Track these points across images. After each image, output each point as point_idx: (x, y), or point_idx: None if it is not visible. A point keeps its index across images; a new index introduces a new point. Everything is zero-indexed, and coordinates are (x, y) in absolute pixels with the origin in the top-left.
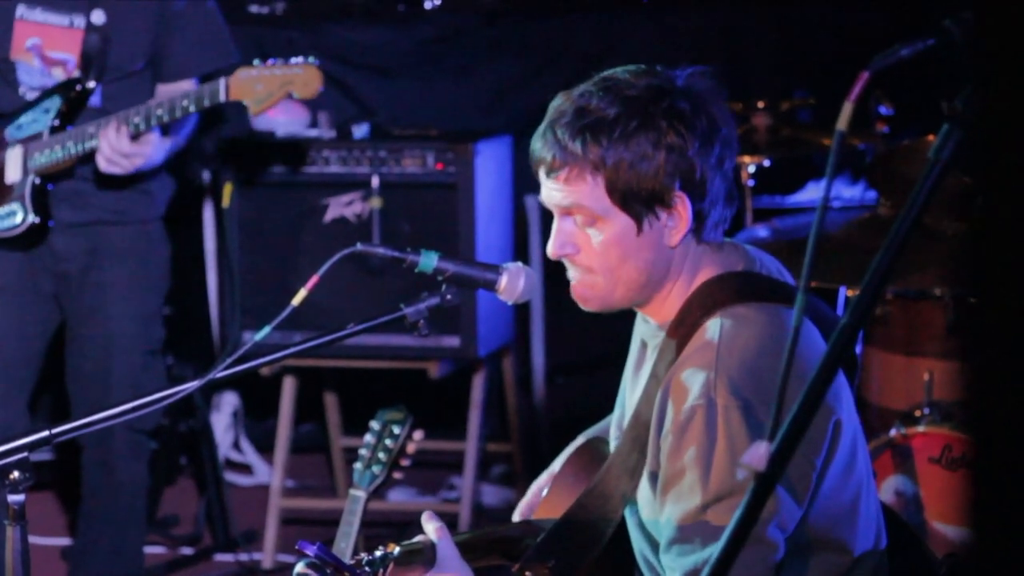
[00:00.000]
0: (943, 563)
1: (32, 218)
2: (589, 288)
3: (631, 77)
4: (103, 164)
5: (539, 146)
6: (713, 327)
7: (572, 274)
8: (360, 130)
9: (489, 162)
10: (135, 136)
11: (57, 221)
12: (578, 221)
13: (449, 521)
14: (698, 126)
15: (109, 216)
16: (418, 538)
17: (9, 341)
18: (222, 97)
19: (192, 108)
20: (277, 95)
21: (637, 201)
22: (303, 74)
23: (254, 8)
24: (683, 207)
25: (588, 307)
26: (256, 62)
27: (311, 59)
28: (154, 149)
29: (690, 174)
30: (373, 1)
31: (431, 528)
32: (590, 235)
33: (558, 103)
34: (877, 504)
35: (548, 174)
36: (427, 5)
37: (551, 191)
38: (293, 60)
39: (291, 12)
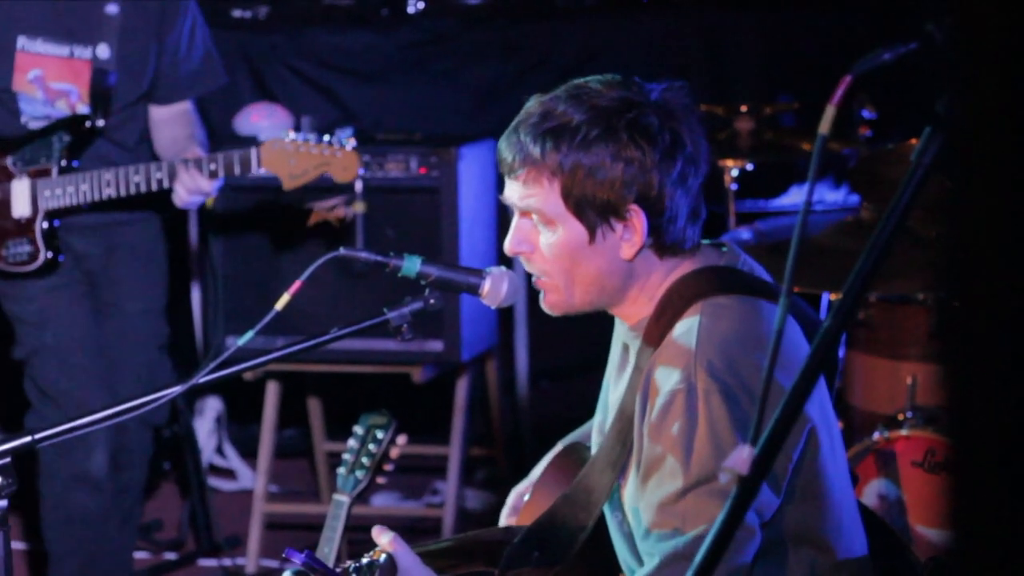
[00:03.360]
0: (926, 566)
1: (45, 254)
2: (552, 291)
3: (603, 87)
4: (180, 204)
5: (503, 146)
6: (692, 316)
7: (535, 279)
8: (343, 134)
9: (473, 166)
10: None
11: (74, 223)
12: (534, 220)
13: (432, 525)
14: (661, 141)
15: (122, 216)
16: (373, 552)
17: (79, 331)
18: (254, 167)
19: (221, 172)
20: (312, 174)
21: (591, 209)
22: (342, 159)
23: (237, 12)
24: (638, 220)
25: (555, 311)
26: (291, 135)
27: (351, 142)
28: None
29: (647, 188)
30: (356, 5)
31: (385, 540)
32: (543, 236)
33: (529, 105)
34: (857, 508)
35: (509, 174)
36: (410, 9)
37: (511, 190)
38: (330, 140)
39: (274, 17)
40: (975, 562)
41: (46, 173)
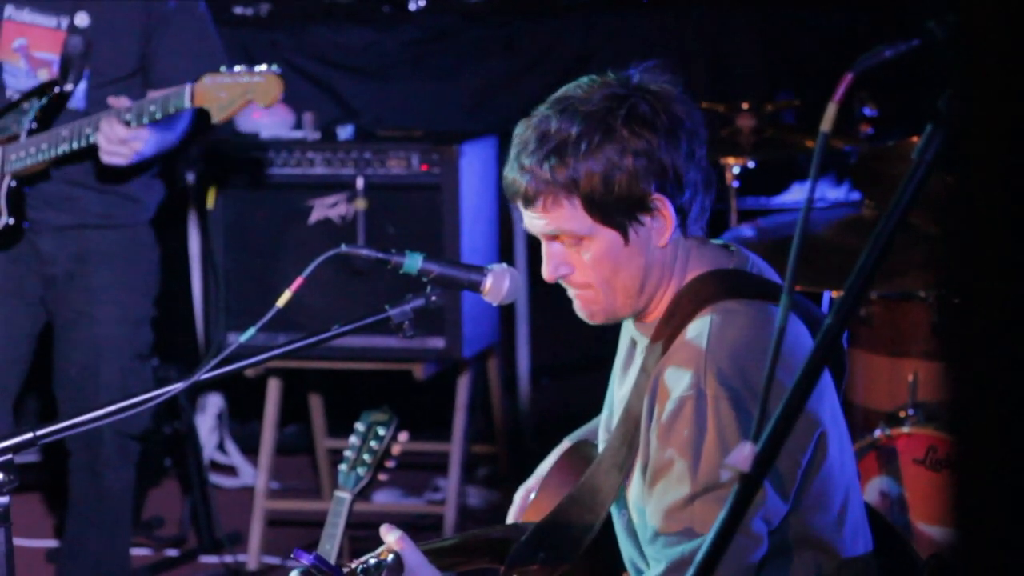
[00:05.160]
0: (927, 564)
1: (7, 219)
2: (591, 303)
3: (585, 92)
4: (105, 157)
5: (511, 179)
6: (703, 321)
7: (571, 291)
8: (345, 131)
9: (474, 163)
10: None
11: (43, 223)
12: (566, 242)
13: (434, 522)
14: (660, 124)
15: (95, 220)
16: (380, 550)
17: None
18: (187, 103)
19: (159, 114)
20: (239, 103)
21: (618, 212)
22: (264, 83)
23: (239, 10)
24: (664, 208)
25: (595, 320)
26: (223, 68)
27: (274, 67)
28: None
29: (663, 173)
30: (358, 2)
31: (392, 538)
32: (582, 254)
33: (520, 132)
34: (863, 506)
35: (526, 205)
36: (411, 6)
37: (533, 220)
38: (257, 68)
39: (276, 13)
40: (977, 559)
41: (16, 139)
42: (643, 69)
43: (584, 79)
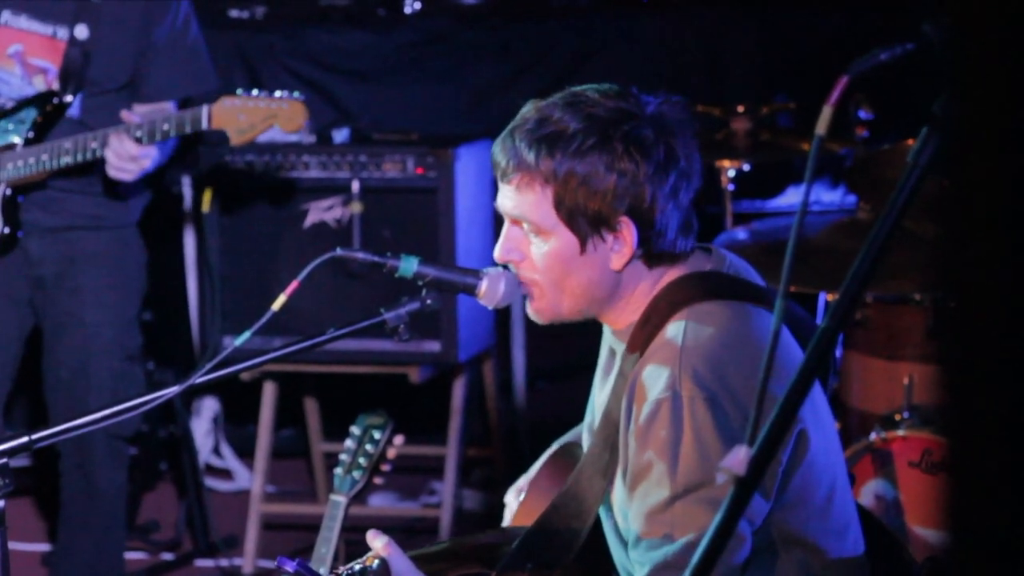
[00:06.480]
0: (923, 567)
1: (2, 228)
2: (538, 300)
3: (600, 96)
4: (112, 172)
5: (498, 150)
6: (677, 323)
7: (523, 286)
8: (340, 135)
9: (469, 166)
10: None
11: (32, 226)
12: (525, 229)
13: (430, 526)
14: (655, 154)
15: (84, 221)
16: (366, 556)
17: None
18: (204, 124)
19: (173, 132)
20: (260, 127)
21: (582, 219)
22: (288, 109)
23: (234, 13)
24: (628, 232)
25: (541, 319)
26: (240, 91)
27: (296, 93)
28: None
29: (639, 200)
30: (353, 6)
31: (379, 544)
32: (534, 246)
33: (525, 110)
34: (854, 507)
35: (502, 178)
36: (407, 10)
37: (503, 197)
38: (279, 93)
39: (271, 17)
40: (972, 562)
41: (12, 148)
42: (664, 101)
43: (606, 85)
